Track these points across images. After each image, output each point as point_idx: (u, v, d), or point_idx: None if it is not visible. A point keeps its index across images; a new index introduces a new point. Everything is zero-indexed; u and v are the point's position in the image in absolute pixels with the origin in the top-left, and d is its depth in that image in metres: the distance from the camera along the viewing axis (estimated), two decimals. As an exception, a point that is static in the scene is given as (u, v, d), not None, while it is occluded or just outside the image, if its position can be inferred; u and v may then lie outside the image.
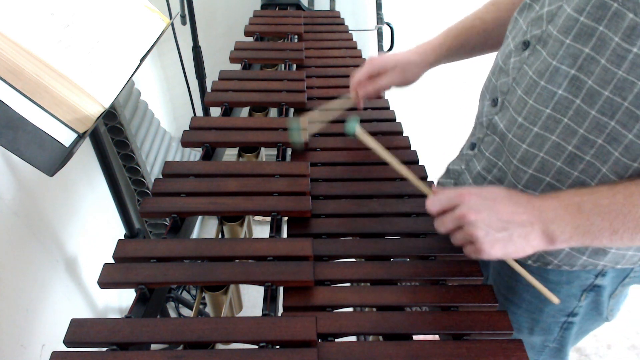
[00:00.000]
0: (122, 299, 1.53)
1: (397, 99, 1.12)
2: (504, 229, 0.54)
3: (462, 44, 0.83)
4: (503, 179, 0.70)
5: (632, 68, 0.50)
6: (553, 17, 0.58)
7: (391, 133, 0.93)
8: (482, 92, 0.75)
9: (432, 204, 0.60)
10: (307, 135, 0.84)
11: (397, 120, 0.96)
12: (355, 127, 0.70)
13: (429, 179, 0.82)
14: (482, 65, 0.87)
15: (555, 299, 0.61)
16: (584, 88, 0.55)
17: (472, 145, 0.76)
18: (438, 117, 2.12)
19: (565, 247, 0.56)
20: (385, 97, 1.05)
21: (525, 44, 0.63)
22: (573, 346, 0.83)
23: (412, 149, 0.89)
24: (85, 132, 0.73)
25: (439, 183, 0.87)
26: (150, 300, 0.61)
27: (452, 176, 0.82)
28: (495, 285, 0.81)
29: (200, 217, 1.80)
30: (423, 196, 0.78)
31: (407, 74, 0.85)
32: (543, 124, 0.61)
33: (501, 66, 0.68)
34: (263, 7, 1.58)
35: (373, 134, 0.91)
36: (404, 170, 0.66)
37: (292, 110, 1.01)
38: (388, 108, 1.01)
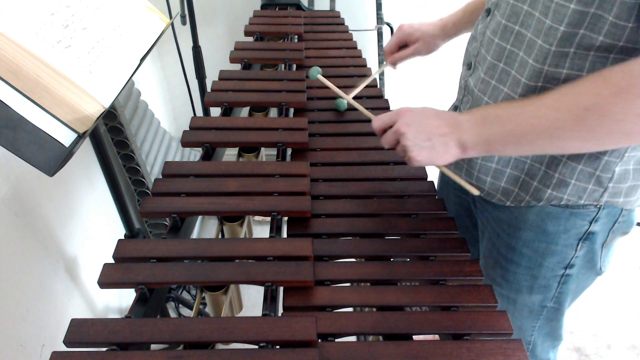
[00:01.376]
0: (122, 299, 1.53)
1: (397, 99, 1.13)
2: (428, 139, 0.64)
3: (477, 18, 0.90)
4: None
5: (554, 16, 0.60)
6: None
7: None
8: (463, 61, 0.84)
9: (376, 122, 0.70)
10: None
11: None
12: (316, 75, 0.92)
13: (429, 179, 0.82)
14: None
15: (475, 191, 0.71)
16: (525, 40, 0.66)
17: (455, 107, 0.86)
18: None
19: (476, 155, 0.66)
20: (385, 97, 1.05)
21: (487, 11, 0.74)
22: (569, 307, 0.86)
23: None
24: (85, 132, 0.73)
25: None
26: (150, 300, 0.61)
27: None
28: (494, 247, 0.85)
29: (200, 217, 1.80)
30: (423, 196, 0.78)
31: (429, 46, 0.99)
32: (498, 77, 0.71)
33: (473, 34, 0.80)
34: (263, 7, 1.58)
35: (373, 134, 0.92)
36: (356, 104, 0.84)
37: (292, 110, 1.01)
38: (388, 108, 1.01)
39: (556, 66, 0.63)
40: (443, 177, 0.93)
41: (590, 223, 0.74)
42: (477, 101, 0.76)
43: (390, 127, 0.68)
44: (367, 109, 0.87)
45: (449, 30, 0.97)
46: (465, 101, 0.81)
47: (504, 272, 0.84)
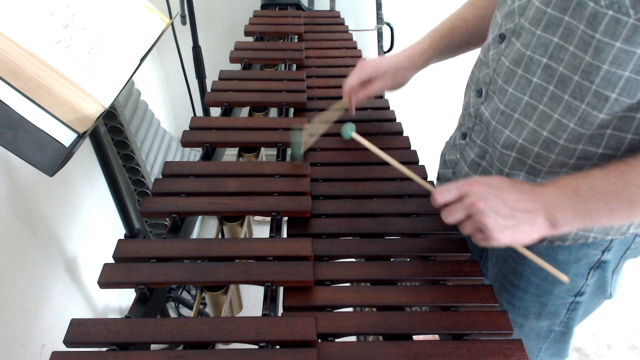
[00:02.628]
0: (122, 299, 1.53)
1: (397, 99, 1.13)
2: (511, 216, 0.57)
3: (447, 45, 0.86)
4: (493, 164, 0.73)
5: (596, 53, 0.54)
6: (524, 11, 0.63)
7: (391, 133, 0.93)
8: (467, 84, 0.79)
9: (440, 195, 0.61)
10: (306, 147, 0.85)
11: (397, 121, 0.97)
12: (350, 133, 0.75)
13: (429, 179, 0.82)
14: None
15: (565, 278, 0.63)
16: (556, 75, 0.59)
17: (463, 135, 0.80)
18: (438, 117, 2.11)
19: (569, 230, 0.59)
20: (385, 97, 1.05)
21: (502, 37, 0.67)
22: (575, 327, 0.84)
23: (412, 149, 0.89)
24: (85, 132, 0.73)
25: (438, 174, 0.89)
26: (150, 300, 0.61)
27: (450, 166, 0.85)
28: (500, 272, 0.82)
29: (200, 217, 1.80)
30: (423, 196, 0.78)
31: (398, 79, 0.87)
32: (522, 110, 0.65)
33: (482, 59, 0.73)
34: (263, 7, 1.57)
35: (373, 134, 0.92)
36: (404, 169, 0.69)
37: (292, 110, 1.01)
38: (388, 108, 1.01)
39: (593, 107, 0.57)
40: (442, 169, 0.90)
41: (603, 252, 0.71)
42: (495, 133, 0.70)
43: (458, 199, 0.60)
44: (365, 108, 0.86)
45: (417, 61, 0.86)
46: (478, 130, 0.75)
47: (511, 298, 0.81)
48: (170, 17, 1.19)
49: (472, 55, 0.85)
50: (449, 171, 0.85)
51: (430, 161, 0.97)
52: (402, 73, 0.86)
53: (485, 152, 0.75)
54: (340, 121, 0.88)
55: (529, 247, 0.63)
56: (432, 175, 0.84)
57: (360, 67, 0.87)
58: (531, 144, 0.65)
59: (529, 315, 0.81)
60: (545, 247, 0.72)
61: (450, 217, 0.60)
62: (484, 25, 0.77)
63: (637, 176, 0.54)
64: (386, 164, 0.83)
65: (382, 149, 0.80)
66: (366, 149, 0.88)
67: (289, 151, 0.88)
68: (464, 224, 0.60)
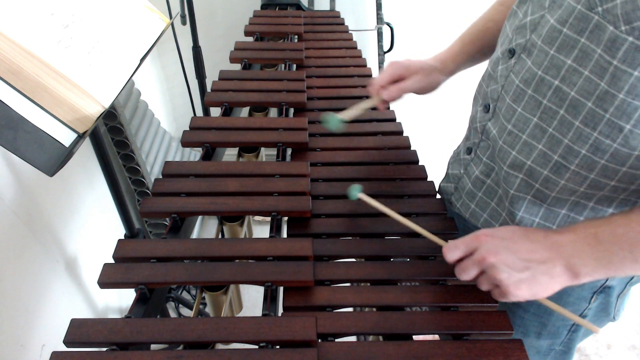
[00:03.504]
0: (122, 299, 1.53)
1: (398, 101, 1.12)
2: (526, 268, 0.53)
3: (479, 48, 0.83)
4: (499, 183, 0.70)
5: (612, 80, 0.51)
6: (536, 27, 0.59)
7: (391, 133, 0.93)
8: (474, 97, 0.76)
9: (450, 252, 0.58)
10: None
11: (397, 121, 0.97)
12: (357, 195, 0.71)
13: (429, 179, 0.82)
14: (479, 66, 0.88)
15: (596, 329, 0.60)
16: (567, 99, 0.56)
17: (468, 149, 0.77)
18: (438, 117, 2.12)
19: (591, 280, 0.54)
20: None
21: (511, 52, 0.64)
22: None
23: (412, 149, 0.89)
24: (85, 132, 0.73)
25: (440, 187, 0.87)
26: (150, 300, 0.61)
27: (452, 180, 0.82)
28: None
29: (200, 217, 1.80)
30: (423, 196, 0.78)
31: (431, 80, 0.83)
32: (531, 132, 0.62)
33: (490, 73, 0.70)
34: (263, 7, 1.58)
35: (373, 134, 0.92)
36: (414, 226, 0.66)
37: (292, 110, 1.01)
38: (388, 108, 1.01)
39: (606, 137, 0.54)
40: (445, 183, 0.86)
41: (607, 278, 0.69)
42: (502, 153, 0.67)
43: (468, 254, 0.56)
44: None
45: (449, 65, 0.84)
46: (484, 147, 0.72)
47: (511, 315, 0.76)
48: (170, 17, 1.19)
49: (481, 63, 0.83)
50: (451, 185, 0.83)
51: (431, 162, 0.97)
52: (436, 75, 0.83)
53: (491, 170, 0.72)
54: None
55: None
56: (433, 176, 0.83)
57: (391, 64, 0.83)
58: (541, 166, 0.62)
59: (528, 333, 0.79)
60: None
61: (464, 274, 0.56)
62: None
63: None
64: (387, 163, 0.83)
65: (382, 149, 0.80)
66: (367, 149, 0.89)
67: (289, 151, 0.88)
68: (479, 280, 0.56)
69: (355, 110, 0.83)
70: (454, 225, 0.72)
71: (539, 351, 0.81)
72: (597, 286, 0.70)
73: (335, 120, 0.80)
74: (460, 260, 0.57)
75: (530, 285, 0.53)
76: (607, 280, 0.69)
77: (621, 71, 0.50)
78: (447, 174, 0.86)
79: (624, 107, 0.51)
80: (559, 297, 0.66)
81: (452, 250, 0.57)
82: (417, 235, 0.71)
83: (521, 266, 0.53)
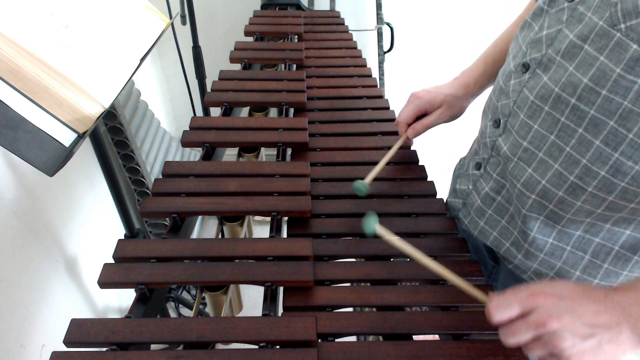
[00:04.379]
0: (122, 299, 1.53)
1: (397, 99, 1.12)
2: (591, 336, 0.46)
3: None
4: (511, 201, 0.68)
5: (637, 99, 0.48)
6: (553, 41, 0.57)
7: (391, 133, 0.93)
8: (484, 110, 0.74)
9: (499, 312, 0.49)
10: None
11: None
12: (374, 227, 0.62)
13: (429, 179, 0.82)
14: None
15: None
16: (586, 117, 0.53)
17: (477, 165, 0.75)
18: (450, 130, 2.11)
19: None
20: (385, 97, 1.05)
21: (525, 67, 0.62)
22: None
23: (412, 149, 0.89)
24: (85, 132, 0.73)
25: (446, 203, 0.84)
26: (150, 300, 0.61)
27: (460, 196, 0.80)
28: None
29: (200, 217, 1.80)
30: (423, 196, 0.78)
31: (455, 109, 0.82)
32: (547, 149, 0.59)
33: (501, 86, 0.67)
34: (263, 7, 1.58)
35: (373, 134, 0.92)
36: (450, 275, 0.57)
37: (292, 110, 1.01)
38: (388, 108, 1.01)
39: (629, 158, 0.51)
40: (452, 198, 0.81)
41: None
42: (515, 170, 0.64)
43: (521, 315, 0.49)
44: (365, 108, 0.85)
45: (472, 89, 0.82)
46: (494, 163, 0.70)
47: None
48: (170, 17, 1.19)
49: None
50: (459, 201, 0.80)
51: (431, 162, 0.97)
52: (459, 103, 0.82)
53: (501, 187, 0.70)
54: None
55: None
56: (433, 176, 0.83)
57: (416, 98, 0.83)
58: (555, 187, 0.59)
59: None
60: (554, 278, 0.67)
61: (513, 338, 0.48)
62: None
63: None
64: (388, 163, 0.83)
65: (382, 149, 0.79)
66: (368, 149, 0.89)
67: (289, 151, 0.88)
68: (532, 346, 0.49)
69: (382, 164, 0.79)
70: (453, 224, 0.72)
71: None
72: None
73: (363, 188, 0.75)
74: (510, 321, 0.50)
75: (595, 356, 0.46)
76: None
77: None
78: (454, 189, 0.82)
79: None
80: None
81: (502, 309, 0.49)
82: (417, 235, 0.71)
83: (587, 333, 0.46)
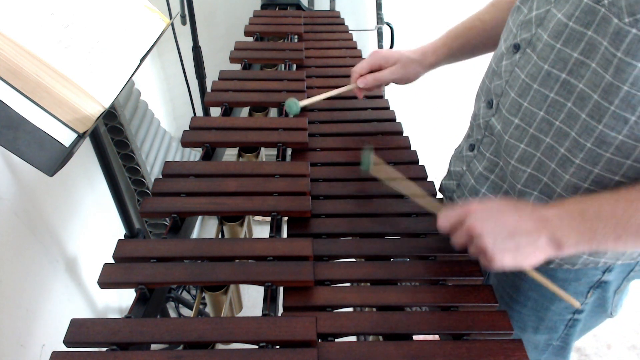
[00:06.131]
0: (122, 299, 1.53)
1: (397, 99, 1.13)
2: (510, 238, 0.55)
3: (462, 45, 0.84)
4: (505, 178, 0.71)
5: (617, 73, 0.51)
6: (542, 21, 0.60)
7: (391, 133, 0.93)
8: (477, 94, 0.77)
9: (442, 222, 0.61)
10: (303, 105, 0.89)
11: (397, 121, 0.97)
12: (369, 165, 0.71)
13: (429, 179, 0.82)
14: (480, 65, 0.88)
15: (576, 303, 0.62)
16: (575, 92, 0.57)
17: (471, 146, 0.77)
18: (437, 117, 2.12)
19: (574, 252, 0.57)
20: (385, 97, 1.05)
21: (516, 47, 0.64)
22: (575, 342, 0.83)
23: (412, 149, 0.89)
24: (85, 132, 0.73)
25: (441, 185, 0.87)
26: (150, 300, 0.61)
27: (454, 177, 0.82)
28: (500, 285, 0.81)
29: (200, 217, 1.80)
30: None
31: (408, 71, 0.86)
32: (538, 125, 0.62)
33: (494, 69, 0.70)
34: (263, 7, 1.58)
35: (373, 134, 0.92)
36: (417, 191, 0.67)
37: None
38: (388, 108, 1.01)
39: (612, 129, 0.55)
40: (447, 180, 0.87)
41: (604, 272, 0.70)
42: (508, 148, 0.67)
43: (459, 224, 0.59)
44: (365, 108, 0.85)
45: (429, 57, 0.86)
46: (487, 142, 0.73)
47: (509, 310, 0.79)
48: (170, 17, 1.19)
49: (482, 61, 0.84)
50: (453, 183, 0.82)
51: (430, 161, 0.97)
52: (413, 66, 0.86)
53: (495, 165, 0.72)
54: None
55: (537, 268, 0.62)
56: (433, 176, 0.83)
57: (372, 54, 0.87)
58: (549, 159, 0.62)
59: (526, 328, 0.79)
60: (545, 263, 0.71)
61: (455, 240, 0.60)
62: (501, 29, 0.73)
63: None
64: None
65: (382, 149, 0.79)
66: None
67: (289, 151, 0.88)
68: (469, 248, 0.59)
69: (322, 97, 0.89)
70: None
71: (536, 346, 0.82)
72: (594, 281, 0.71)
73: (294, 106, 0.86)
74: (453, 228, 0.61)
75: (515, 255, 0.55)
76: (603, 274, 0.70)
77: (625, 63, 0.50)
78: (448, 171, 0.86)
79: (629, 99, 0.52)
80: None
81: (444, 220, 0.61)
82: (417, 235, 0.71)
83: (506, 235, 0.55)
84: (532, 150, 0.64)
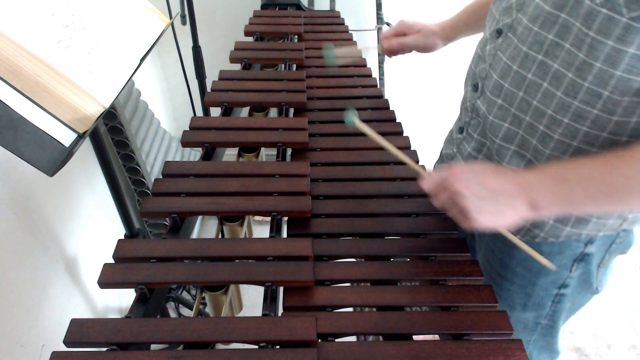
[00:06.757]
0: (122, 299, 1.53)
1: (397, 99, 1.13)
2: (491, 199, 0.57)
3: (477, 21, 0.90)
4: (492, 157, 0.75)
5: (589, 51, 0.55)
6: (522, 6, 0.64)
7: (391, 133, 0.93)
8: (465, 79, 0.81)
9: (426, 183, 0.63)
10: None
11: (397, 121, 0.97)
12: (353, 120, 0.72)
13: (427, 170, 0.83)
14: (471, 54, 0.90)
15: (551, 265, 0.64)
16: (550, 72, 0.61)
17: (460, 129, 0.81)
18: (437, 116, 2.11)
19: (550, 216, 0.60)
20: (386, 97, 1.05)
21: (499, 32, 0.69)
22: (564, 324, 0.85)
23: (412, 149, 0.89)
24: (85, 132, 0.73)
25: (434, 168, 0.90)
26: (150, 300, 0.61)
27: (446, 160, 0.86)
28: (488, 262, 0.84)
29: (200, 217, 1.80)
30: (423, 196, 0.78)
31: (428, 41, 0.96)
32: (518, 105, 0.66)
33: (479, 54, 0.75)
34: (263, 7, 1.58)
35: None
36: (400, 154, 0.69)
37: (292, 110, 1.01)
38: (388, 108, 1.01)
39: (587, 104, 0.58)
40: (439, 163, 0.91)
41: (586, 245, 0.72)
42: (493, 127, 0.71)
43: (443, 185, 0.61)
44: (365, 108, 0.86)
45: (448, 32, 0.95)
46: (474, 124, 0.77)
47: (497, 288, 0.82)
48: (170, 17, 1.19)
49: (473, 51, 0.86)
50: (445, 165, 0.85)
51: (430, 161, 0.97)
52: (433, 38, 0.95)
53: (482, 145, 0.76)
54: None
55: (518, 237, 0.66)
56: (428, 167, 0.84)
57: (399, 22, 0.99)
58: (530, 136, 0.66)
59: (515, 306, 0.82)
60: (525, 240, 0.73)
61: (436, 201, 0.62)
62: None
63: (622, 165, 0.55)
64: (385, 163, 0.84)
65: (382, 149, 0.79)
66: (368, 149, 0.89)
67: (289, 151, 0.88)
68: (448, 206, 0.61)
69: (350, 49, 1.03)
70: (453, 224, 0.72)
71: (526, 326, 0.84)
72: (577, 254, 0.73)
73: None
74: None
75: (493, 215, 0.57)
76: (585, 246, 0.72)
77: (597, 42, 0.54)
78: (440, 154, 0.90)
79: (602, 75, 0.55)
80: (540, 265, 0.70)
81: (428, 181, 0.63)
82: (417, 235, 0.71)
83: (487, 196, 0.57)
84: (515, 128, 0.68)
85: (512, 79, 0.66)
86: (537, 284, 0.78)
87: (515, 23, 0.65)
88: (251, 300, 1.66)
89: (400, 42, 0.97)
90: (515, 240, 0.64)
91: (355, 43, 1.29)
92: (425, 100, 2.05)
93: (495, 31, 0.69)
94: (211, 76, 1.17)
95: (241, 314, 0.70)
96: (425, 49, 0.97)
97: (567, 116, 0.60)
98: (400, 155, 0.69)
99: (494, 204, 0.57)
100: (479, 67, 0.74)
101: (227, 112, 0.97)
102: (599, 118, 0.58)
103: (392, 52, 1.00)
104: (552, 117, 0.62)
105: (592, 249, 0.73)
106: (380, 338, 0.59)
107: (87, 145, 1.07)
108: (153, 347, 0.58)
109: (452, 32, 0.95)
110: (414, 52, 1.00)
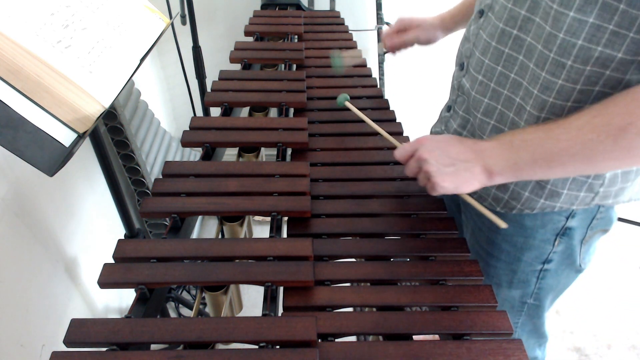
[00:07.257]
0: (122, 299, 1.53)
1: (397, 99, 1.13)
2: (451, 165, 0.63)
3: None
4: (474, 132, 0.78)
5: (554, 22, 0.59)
6: None
7: (391, 133, 0.93)
8: (455, 62, 0.84)
9: (398, 152, 0.70)
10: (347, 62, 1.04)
11: (397, 121, 0.97)
12: (344, 101, 0.82)
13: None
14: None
15: (502, 223, 0.67)
16: (524, 45, 0.65)
17: (448, 107, 0.86)
18: (437, 116, 2.11)
19: (507, 182, 0.64)
20: (385, 97, 1.05)
21: (481, 13, 0.73)
22: (550, 306, 0.87)
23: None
24: (85, 132, 0.73)
25: None
26: (150, 300, 0.61)
27: None
28: (475, 241, 0.87)
29: (200, 217, 1.80)
30: (423, 196, 0.78)
31: (429, 34, 0.99)
32: (497, 79, 0.71)
33: (465, 35, 0.79)
34: (263, 7, 1.58)
35: (373, 134, 0.92)
36: (378, 128, 0.79)
37: (292, 110, 1.02)
38: (388, 108, 1.01)
39: (552, 75, 0.62)
40: None
41: (567, 218, 0.75)
42: (475, 103, 0.75)
43: (412, 154, 0.67)
44: (365, 108, 0.86)
45: (447, 23, 0.98)
46: (460, 102, 0.81)
47: (485, 266, 0.85)
48: (170, 17, 1.19)
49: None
50: None
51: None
52: (433, 30, 0.99)
53: (466, 122, 0.80)
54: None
55: (504, 216, 0.73)
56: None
57: (399, 19, 1.02)
58: (508, 109, 0.70)
59: (501, 283, 0.84)
60: (514, 213, 0.77)
61: (407, 170, 0.69)
62: None
63: (557, 129, 0.58)
64: (385, 163, 0.84)
65: (381, 149, 0.80)
66: (367, 149, 0.89)
67: (289, 151, 0.88)
68: (418, 176, 0.67)
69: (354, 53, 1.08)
70: (453, 224, 0.72)
71: (512, 305, 0.87)
72: (559, 228, 0.76)
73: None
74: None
75: (454, 179, 0.63)
76: (567, 220, 0.75)
77: (559, 13, 0.58)
78: (430, 132, 0.94)
79: (564, 45, 0.59)
80: (524, 240, 0.79)
81: (399, 151, 0.69)
82: (417, 235, 0.71)
83: (448, 162, 0.64)
84: (494, 103, 0.72)
85: (491, 55, 0.70)
86: (522, 260, 0.81)
87: (494, 2, 0.69)
88: (251, 300, 1.66)
89: (402, 38, 1.01)
90: (472, 201, 0.69)
91: (356, 44, 1.29)
92: (426, 100, 2.05)
93: (478, 12, 0.74)
94: (211, 76, 1.17)
95: (241, 314, 0.70)
96: (426, 42, 1.00)
97: (536, 87, 0.64)
98: (377, 129, 0.78)
99: (455, 169, 0.63)
100: (464, 47, 0.78)
101: (227, 112, 0.97)
102: (564, 88, 0.61)
103: (395, 49, 1.04)
104: (526, 88, 0.66)
105: (573, 223, 0.75)
106: (380, 338, 0.59)
107: (87, 145, 1.07)
108: (153, 347, 0.58)
109: (451, 23, 0.98)
110: (415, 46, 1.03)
